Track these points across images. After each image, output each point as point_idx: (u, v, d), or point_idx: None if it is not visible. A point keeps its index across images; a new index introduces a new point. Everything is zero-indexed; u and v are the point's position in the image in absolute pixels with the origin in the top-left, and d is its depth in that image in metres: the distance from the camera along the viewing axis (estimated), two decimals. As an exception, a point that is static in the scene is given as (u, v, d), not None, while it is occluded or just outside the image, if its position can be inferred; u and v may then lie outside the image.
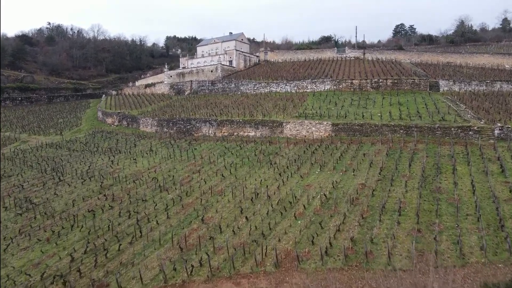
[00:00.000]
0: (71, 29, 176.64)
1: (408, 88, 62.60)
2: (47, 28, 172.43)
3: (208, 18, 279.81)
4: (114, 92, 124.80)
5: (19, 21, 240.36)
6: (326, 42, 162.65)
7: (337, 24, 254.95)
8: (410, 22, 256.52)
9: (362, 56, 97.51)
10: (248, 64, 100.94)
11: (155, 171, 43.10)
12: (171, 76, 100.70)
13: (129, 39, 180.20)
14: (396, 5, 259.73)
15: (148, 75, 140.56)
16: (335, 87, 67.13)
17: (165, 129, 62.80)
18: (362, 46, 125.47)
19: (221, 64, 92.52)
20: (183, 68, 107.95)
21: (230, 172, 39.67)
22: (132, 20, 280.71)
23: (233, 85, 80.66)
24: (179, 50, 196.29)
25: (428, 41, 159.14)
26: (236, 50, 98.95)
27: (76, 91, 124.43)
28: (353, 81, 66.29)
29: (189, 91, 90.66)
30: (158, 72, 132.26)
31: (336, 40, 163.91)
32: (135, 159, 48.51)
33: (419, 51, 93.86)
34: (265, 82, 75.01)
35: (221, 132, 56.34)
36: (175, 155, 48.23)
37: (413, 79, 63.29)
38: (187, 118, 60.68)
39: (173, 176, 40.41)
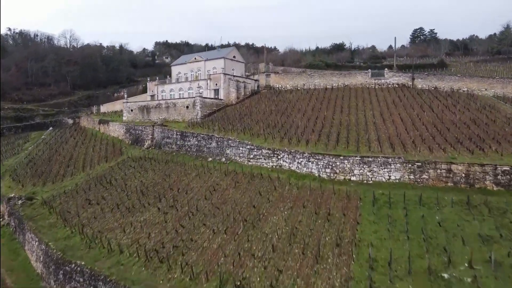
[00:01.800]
0: (37, 35, 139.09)
1: None
2: (6, 35, 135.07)
3: (203, 20, 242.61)
4: (70, 121, 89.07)
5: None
6: (339, 50, 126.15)
7: (341, 25, 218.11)
8: (416, 25, 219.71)
9: (410, 83, 61.73)
10: (243, 93, 64.97)
11: None
12: (131, 110, 64.91)
13: (107, 45, 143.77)
14: (403, 4, 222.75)
15: (122, 93, 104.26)
16: (411, 177, 31.15)
17: (52, 279, 27.36)
18: (386, 61, 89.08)
19: (200, 97, 56.67)
20: (151, 96, 72.01)
21: None
22: (120, 22, 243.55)
23: (214, 144, 44.82)
24: (169, 58, 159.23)
25: (463, 50, 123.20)
26: (225, 74, 62.80)
27: (17, 121, 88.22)
28: (453, 166, 30.30)
29: (149, 141, 54.94)
30: (132, 92, 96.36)
31: (352, 49, 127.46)
32: None
33: (503, 78, 57.53)
34: (269, 149, 38.82)
35: (160, 335, 20.98)
36: None
37: None
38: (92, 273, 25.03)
39: None
